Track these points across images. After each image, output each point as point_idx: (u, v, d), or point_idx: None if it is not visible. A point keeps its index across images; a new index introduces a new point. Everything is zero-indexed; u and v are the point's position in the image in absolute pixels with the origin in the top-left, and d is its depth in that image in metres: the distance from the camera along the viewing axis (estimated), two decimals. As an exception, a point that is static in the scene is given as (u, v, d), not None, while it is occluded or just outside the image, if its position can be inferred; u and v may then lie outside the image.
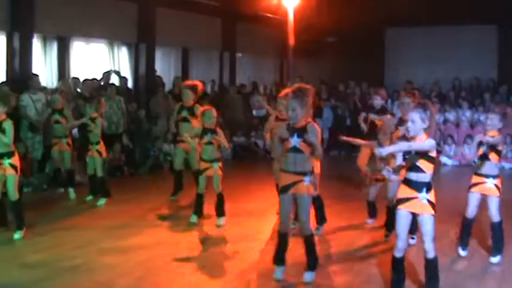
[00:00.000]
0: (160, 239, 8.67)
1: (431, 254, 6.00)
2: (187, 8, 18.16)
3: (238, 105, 18.46)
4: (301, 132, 6.48)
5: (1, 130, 8.41)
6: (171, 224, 9.59)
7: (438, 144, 17.24)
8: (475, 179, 7.53)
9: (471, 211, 7.59)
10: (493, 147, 7.32)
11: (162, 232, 9.11)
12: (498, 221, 7.47)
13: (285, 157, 6.62)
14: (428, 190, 5.91)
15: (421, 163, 5.84)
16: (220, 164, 9.48)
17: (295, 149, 6.51)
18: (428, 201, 5.89)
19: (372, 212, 9.63)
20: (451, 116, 17.72)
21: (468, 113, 17.57)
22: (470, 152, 7.55)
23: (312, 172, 6.67)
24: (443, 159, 16.90)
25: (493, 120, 7.37)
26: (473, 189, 7.53)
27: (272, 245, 8.17)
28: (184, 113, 10.85)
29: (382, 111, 11.27)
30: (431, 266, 6.04)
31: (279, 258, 6.82)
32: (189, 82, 11.67)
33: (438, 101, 18.32)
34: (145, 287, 6.69)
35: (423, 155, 5.82)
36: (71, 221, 9.63)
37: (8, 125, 8.48)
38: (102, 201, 10.81)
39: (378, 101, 11.56)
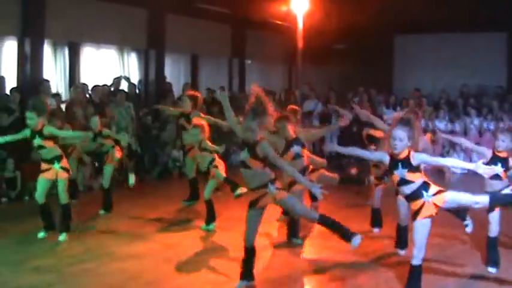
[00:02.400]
0: (170, 245, 8.71)
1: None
2: (197, 14, 18.22)
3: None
4: (252, 147, 6.40)
5: (45, 137, 8.61)
6: (181, 229, 9.63)
7: (447, 152, 17.24)
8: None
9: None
10: (506, 167, 7.34)
11: (172, 237, 9.15)
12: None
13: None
14: (427, 189, 5.97)
15: (408, 176, 5.96)
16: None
17: (245, 164, 6.49)
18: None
19: (376, 221, 9.58)
20: (459, 123, 17.69)
21: (477, 121, 17.55)
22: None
23: (274, 180, 6.51)
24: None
25: (505, 141, 7.32)
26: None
27: (279, 253, 8.25)
28: (182, 120, 11.15)
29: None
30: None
31: (246, 273, 6.68)
32: (190, 92, 11.98)
33: (447, 108, 18.32)
34: (155, 291, 6.75)
35: (409, 168, 5.94)
36: (80, 226, 9.68)
37: (50, 129, 8.67)
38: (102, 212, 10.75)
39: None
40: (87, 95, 14.40)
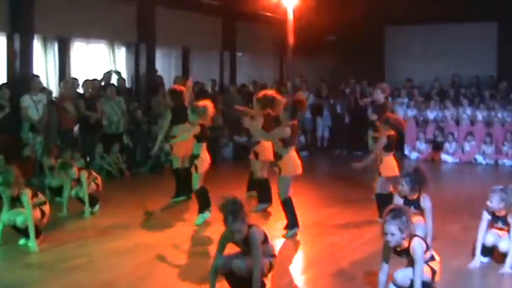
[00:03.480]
0: (163, 239, 8.70)
1: None
2: (187, 7, 18.16)
3: (239, 105, 18.45)
4: (245, 244, 6.00)
5: (21, 205, 8.12)
6: (174, 223, 9.61)
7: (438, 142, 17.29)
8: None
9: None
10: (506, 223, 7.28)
11: (165, 232, 9.14)
12: None
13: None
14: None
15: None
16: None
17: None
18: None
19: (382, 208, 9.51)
20: (451, 113, 17.71)
21: (469, 111, 17.57)
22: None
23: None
24: (444, 156, 16.92)
25: (494, 203, 7.17)
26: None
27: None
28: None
29: (382, 107, 11.19)
30: None
31: None
32: (172, 86, 12.18)
33: (438, 98, 18.34)
34: (149, 286, 6.72)
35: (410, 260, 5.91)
36: (73, 222, 9.67)
37: (25, 199, 8.07)
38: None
39: (379, 96, 11.42)
40: (78, 90, 14.36)
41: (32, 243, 8.00)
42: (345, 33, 21.21)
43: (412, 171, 7.67)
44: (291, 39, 18.15)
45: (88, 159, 13.19)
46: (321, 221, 9.71)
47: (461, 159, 16.76)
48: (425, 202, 7.64)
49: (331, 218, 9.90)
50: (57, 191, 10.68)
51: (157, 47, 17.76)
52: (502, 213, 7.26)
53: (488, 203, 7.25)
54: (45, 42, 14.96)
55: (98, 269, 7.28)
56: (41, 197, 8.53)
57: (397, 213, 5.85)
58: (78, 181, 10.08)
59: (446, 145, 17.07)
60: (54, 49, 15.21)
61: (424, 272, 5.85)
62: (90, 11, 15.30)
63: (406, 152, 17.31)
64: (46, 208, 8.52)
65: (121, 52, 17.17)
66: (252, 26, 21.09)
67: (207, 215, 9.43)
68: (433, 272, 5.97)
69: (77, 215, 10.01)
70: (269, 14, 19.80)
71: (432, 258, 6.03)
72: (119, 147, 14.12)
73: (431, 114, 17.77)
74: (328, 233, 9.00)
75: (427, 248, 5.96)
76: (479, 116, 17.26)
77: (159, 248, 8.17)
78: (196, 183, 9.44)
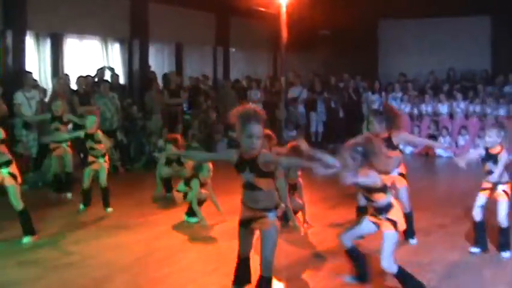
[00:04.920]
0: (157, 235, 8.67)
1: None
2: (181, 2, 18.13)
3: (232, 100, 18.43)
4: (253, 164, 5.38)
5: None
6: (167, 220, 9.58)
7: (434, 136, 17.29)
8: (484, 184, 7.49)
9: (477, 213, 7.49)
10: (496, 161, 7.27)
11: (158, 228, 9.11)
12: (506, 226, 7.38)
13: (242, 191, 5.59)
14: (387, 211, 5.92)
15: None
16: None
17: (251, 186, 5.46)
18: (388, 219, 5.91)
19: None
20: (445, 107, 17.72)
21: (463, 105, 17.57)
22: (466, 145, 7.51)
23: (277, 206, 5.55)
24: (438, 150, 16.92)
25: (492, 137, 7.21)
26: (481, 193, 7.48)
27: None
28: None
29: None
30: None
31: (238, 281, 5.77)
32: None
33: (432, 92, 18.34)
34: (143, 282, 6.70)
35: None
36: (66, 219, 9.63)
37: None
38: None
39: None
40: (71, 86, 14.31)
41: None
42: (339, 27, 21.15)
43: (380, 110, 7.63)
44: (284, 34, 18.18)
45: (82, 155, 13.14)
46: (315, 216, 9.68)
47: (455, 153, 16.75)
48: (400, 137, 7.79)
49: (326, 213, 9.89)
50: None
51: (150, 42, 17.74)
52: (496, 150, 7.25)
53: (486, 138, 7.27)
54: (38, 38, 14.91)
55: (92, 265, 7.25)
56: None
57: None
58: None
59: (441, 139, 17.07)
60: (47, 45, 15.15)
61: (387, 228, 5.88)
62: (83, 7, 15.27)
63: (401, 146, 17.29)
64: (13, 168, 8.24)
65: (114, 48, 17.13)
66: (245, 21, 21.06)
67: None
68: (394, 224, 5.93)
69: (71, 212, 9.99)
70: (262, 9, 19.76)
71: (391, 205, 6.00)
72: (112, 144, 14.08)
73: (426, 109, 17.78)
74: (323, 228, 8.98)
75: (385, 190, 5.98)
76: (474, 110, 17.28)
77: (153, 244, 8.15)
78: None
